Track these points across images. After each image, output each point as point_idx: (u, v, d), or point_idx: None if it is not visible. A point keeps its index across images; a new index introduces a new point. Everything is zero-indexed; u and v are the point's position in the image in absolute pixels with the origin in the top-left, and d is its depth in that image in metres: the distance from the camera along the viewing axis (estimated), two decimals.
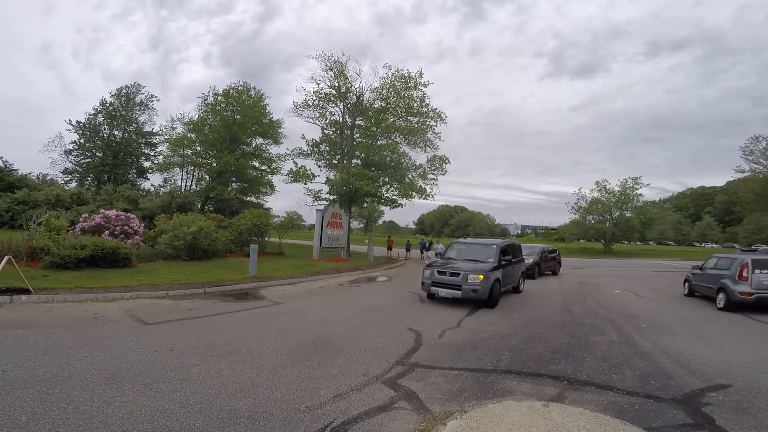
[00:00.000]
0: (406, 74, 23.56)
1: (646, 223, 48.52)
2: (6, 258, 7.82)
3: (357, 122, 25.46)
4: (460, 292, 8.96)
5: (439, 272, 9.50)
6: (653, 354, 5.86)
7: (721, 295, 10.25)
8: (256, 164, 33.60)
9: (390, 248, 28.55)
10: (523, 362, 5.31)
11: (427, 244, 25.63)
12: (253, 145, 33.34)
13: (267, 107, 32.54)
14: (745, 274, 9.77)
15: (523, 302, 10.34)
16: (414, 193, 24.28)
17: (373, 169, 23.94)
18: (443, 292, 9.19)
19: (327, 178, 24.93)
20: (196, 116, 32.28)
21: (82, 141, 38.46)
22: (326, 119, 25.55)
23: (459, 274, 9.13)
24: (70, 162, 38.76)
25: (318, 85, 24.53)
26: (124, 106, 39.35)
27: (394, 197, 25.12)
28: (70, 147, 38.49)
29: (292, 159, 25.45)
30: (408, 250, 28.75)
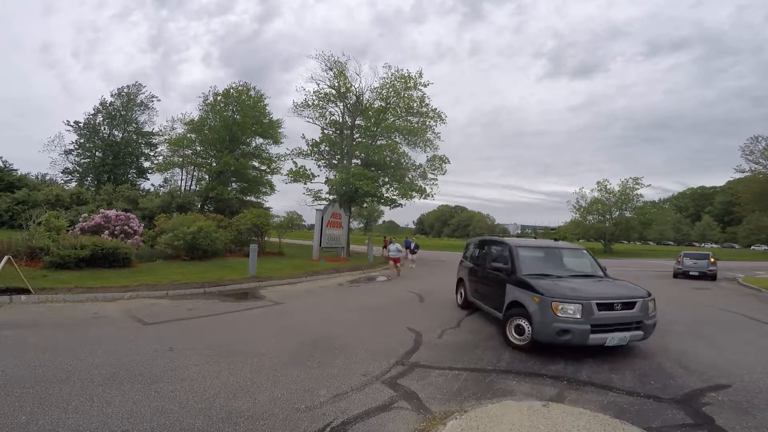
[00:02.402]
0: (406, 74, 23.57)
1: (646, 223, 48.59)
2: (6, 258, 7.82)
3: (357, 122, 25.46)
4: (641, 333, 5.60)
5: (600, 305, 5.45)
6: (653, 354, 5.86)
7: (673, 271, 19.27)
8: (256, 164, 33.61)
9: (385, 247, 28.70)
10: (522, 362, 5.32)
11: (412, 245, 21.47)
12: (253, 145, 33.34)
13: (267, 107, 32.58)
14: (680, 260, 19.06)
15: None
16: (414, 193, 24.29)
17: (372, 169, 23.94)
18: (616, 338, 5.38)
19: (327, 178, 24.94)
20: (197, 116, 32.34)
21: (81, 141, 38.51)
22: (326, 119, 25.56)
23: (634, 303, 5.66)
24: (70, 162, 38.86)
25: (318, 85, 24.56)
26: (125, 105, 39.39)
27: (394, 197, 25.11)
28: (70, 147, 38.61)
29: (292, 159, 25.47)
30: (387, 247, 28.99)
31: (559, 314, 5.36)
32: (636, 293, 5.86)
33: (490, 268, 7.37)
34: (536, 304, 5.61)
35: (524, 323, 5.79)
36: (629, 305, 5.66)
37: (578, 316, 5.33)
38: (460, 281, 9.46)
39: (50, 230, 13.06)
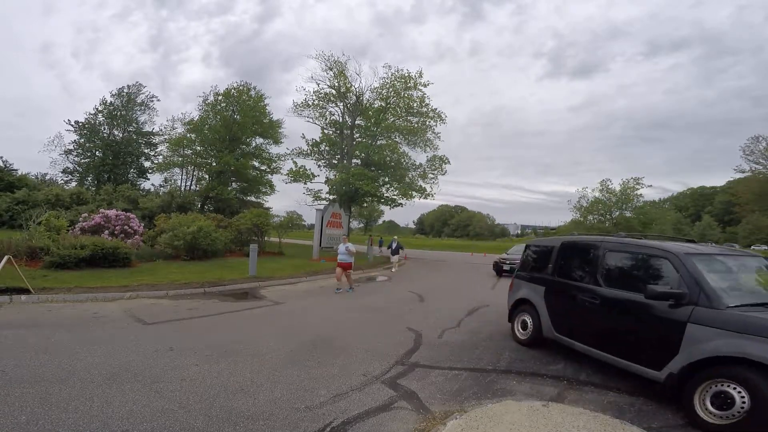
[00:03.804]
0: (406, 74, 23.64)
1: (646, 223, 48.57)
2: (6, 258, 7.82)
3: (357, 122, 25.53)
4: None
5: None
6: None
7: None
8: (256, 164, 33.66)
9: (370, 245, 28.97)
10: (522, 362, 5.31)
11: (395, 245, 19.34)
12: (253, 145, 33.40)
13: (267, 107, 32.63)
14: None
15: None
16: (414, 193, 24.34)
17: (372, 168, 23.98)
18: None
19: (327, 177, 25.00)
20: (197, 116, 32.39)
21: (82, 141, 38.54)
22: (326, 119, 25.63)
23: None
24: (70, 162, 38.90)
25: (318, 84, 24.67)
26: (125, 105, 39.42)
27: (394, 197, 25.16)
28: (70, 147, 38.64)
29: (292, 159, 25.56)
30: (380, 245, 29.22)
31: None
32: None
33: (624, 292, 4.62)
34: None
35: (737, 391, 3.39)
36: None
37: None
38: (522, 304, 6.35)
39: (50, 230, 13.07)
